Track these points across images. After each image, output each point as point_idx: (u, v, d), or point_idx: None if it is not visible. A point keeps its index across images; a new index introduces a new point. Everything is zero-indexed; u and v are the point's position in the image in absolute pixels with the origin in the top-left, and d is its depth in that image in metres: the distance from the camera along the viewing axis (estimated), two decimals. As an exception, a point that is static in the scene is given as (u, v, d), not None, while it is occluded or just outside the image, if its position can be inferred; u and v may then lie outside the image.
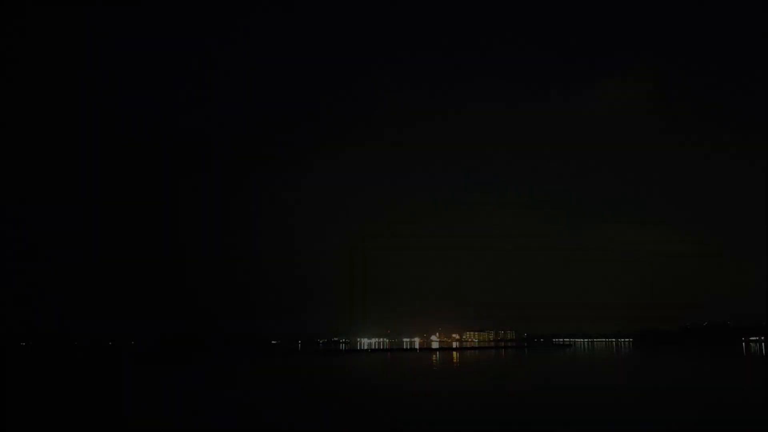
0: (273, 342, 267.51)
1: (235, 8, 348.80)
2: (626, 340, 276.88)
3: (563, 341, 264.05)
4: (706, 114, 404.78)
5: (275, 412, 31.69)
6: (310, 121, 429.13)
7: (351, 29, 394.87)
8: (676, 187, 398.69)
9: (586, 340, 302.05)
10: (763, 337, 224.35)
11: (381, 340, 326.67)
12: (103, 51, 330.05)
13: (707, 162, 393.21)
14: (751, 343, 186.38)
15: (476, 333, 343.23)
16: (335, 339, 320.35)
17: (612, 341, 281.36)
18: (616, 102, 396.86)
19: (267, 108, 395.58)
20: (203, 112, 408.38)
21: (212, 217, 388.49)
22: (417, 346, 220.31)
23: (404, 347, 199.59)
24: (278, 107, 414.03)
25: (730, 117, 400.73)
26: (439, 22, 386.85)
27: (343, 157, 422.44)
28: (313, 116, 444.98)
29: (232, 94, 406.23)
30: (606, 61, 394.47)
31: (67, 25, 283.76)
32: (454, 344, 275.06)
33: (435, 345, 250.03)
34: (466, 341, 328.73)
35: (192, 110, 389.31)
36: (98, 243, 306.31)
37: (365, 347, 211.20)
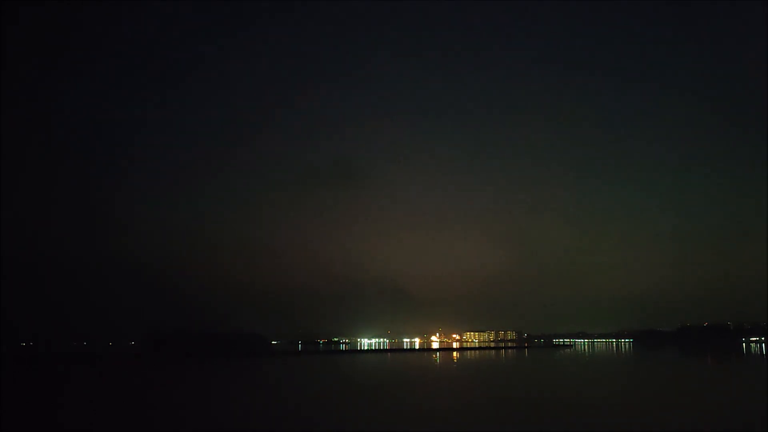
0: (273, 342, 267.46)
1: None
2: (626, 340, 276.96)
3: (563, 341, 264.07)
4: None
5: (275, 413, 31.65)
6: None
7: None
8: (673, 192, 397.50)
9: (586, 340, 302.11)
10: (763, 338, 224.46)
11: (381, 340, 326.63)
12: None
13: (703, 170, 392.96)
14: (751, 344, 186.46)
15: (476, 333, 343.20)
16: (335, 339, 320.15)
17: (612, 341, 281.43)
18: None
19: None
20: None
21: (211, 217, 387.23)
22: (417, 347, 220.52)
23: (404, 347, 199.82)
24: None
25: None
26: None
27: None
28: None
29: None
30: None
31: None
32: (454, 344, 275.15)
33: (435, 345, 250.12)
34: (466, 341, 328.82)
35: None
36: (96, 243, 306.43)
37: (365, 347, 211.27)
